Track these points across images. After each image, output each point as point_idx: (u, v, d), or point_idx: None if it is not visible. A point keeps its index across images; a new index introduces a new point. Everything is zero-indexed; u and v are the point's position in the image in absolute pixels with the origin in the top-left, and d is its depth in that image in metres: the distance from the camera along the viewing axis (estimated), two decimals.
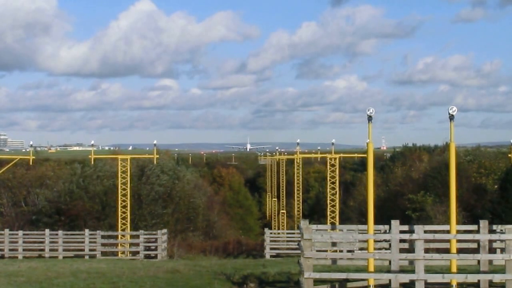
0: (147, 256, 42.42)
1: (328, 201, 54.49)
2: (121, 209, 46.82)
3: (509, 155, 51.36)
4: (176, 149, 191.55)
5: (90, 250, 43.13)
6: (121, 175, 47.20)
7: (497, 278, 19.05)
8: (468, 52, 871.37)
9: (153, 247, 43.10)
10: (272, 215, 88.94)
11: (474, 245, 21.26)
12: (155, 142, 50.40)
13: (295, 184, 72.52)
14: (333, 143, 58.35)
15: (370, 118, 20.16)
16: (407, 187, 65.36)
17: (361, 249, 25.40)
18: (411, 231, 19.74)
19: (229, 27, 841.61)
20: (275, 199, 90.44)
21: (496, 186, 53.23)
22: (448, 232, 20.37)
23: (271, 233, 47.70)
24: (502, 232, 20.74)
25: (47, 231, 44.67)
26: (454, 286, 19.16)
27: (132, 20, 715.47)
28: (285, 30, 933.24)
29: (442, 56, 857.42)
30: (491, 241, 20.61)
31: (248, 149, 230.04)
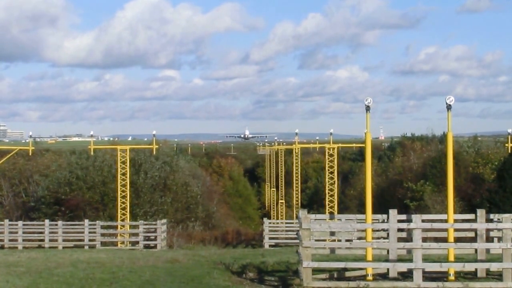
0: (147, 246, 42.52)
1: (327, 191, 54.64)
2: (120, 199, 46.94)
3: (507, 145, 51.43)
4: (176, 140, 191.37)
5: (90, 240, 43.22)
6: (120, 165, 47.30)
7: (494, 266, 19.19)
8: (471, 42, 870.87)
9: (152, 237, 43.22)
10: (271, 205, 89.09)
11: (472, 234, 21.40)
12: (154, 132, 50.44)
13: (294, 174, 72.63)
14: (331, 133, 58.32)
15: (368, 108, 20.21)
16: (406, 177, 65.48)
17: (359, 238, 25.54)
18: (409, 221, 19.82)
19: (235, 18, 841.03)
20: (274, 189, 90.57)
21: (493, 176, 53.28)
22: (445, 221, 20.47)
23: (270, 223, 47.79)
24: (499, 221, 20.85)
25: (46, 221, 44.80)
26: (451, 274, 19.29)
27: (138, 10, 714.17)
28: (290, 21, 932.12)
29: (444, 47, 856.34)
30: (488, 230, 20.72)
31: (246, 136, 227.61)
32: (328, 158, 55.65)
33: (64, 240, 43.76)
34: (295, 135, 69.58)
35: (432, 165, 61.63)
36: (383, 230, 22.01)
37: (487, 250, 20.35)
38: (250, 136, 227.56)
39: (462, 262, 19.97)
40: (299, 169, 73.89)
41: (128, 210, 47.04)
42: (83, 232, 43.59)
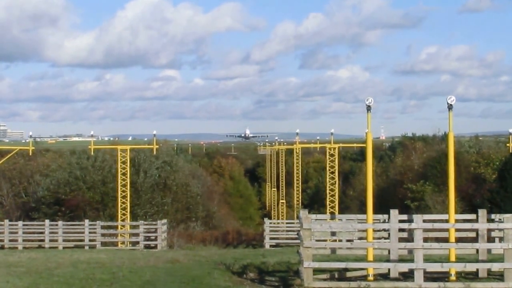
0: (147, 246, 42.47)
1: (328, 191, 54.57)
2: (120, 200, 46.88)
3: (508, 145, 51.39)
4: (176, 140, 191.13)
5: (90, 240, 43.15)
6: (120, 165, 47.25)
7: (495, 267, 19.12)
8: (473, 42, 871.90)
9: (153, 237, 43.16)
10: (272, 205, 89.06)
11: (473, 234, 21.33)
12: (154, 132, 50.43)
13: (295, 174, 72.61)
14: (332, 133, 58.28)
15: (369, 108, 20.15)
16: (406, 177, 65.42)
17: (360, 238, 25.48)
18: (410, 221, 19.77)
19: (236, 18, 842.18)
20: (275, 189, 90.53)
21: (494, 176, 53.22)
22: (447, 221, 20.41)
23: (270, 223, 47.73)
24: (500, 221, 20.79)
25: (47, 221, 44.74)
26: (452, 275, 19.24)
27: (138, 10, 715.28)
28: (291, 21, 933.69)
29: (446, 46, 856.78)
30: (489, 230, 20.69)
31: (247, 136, 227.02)
32: (329, 158, 55.60)
33: (64, 240, 43.70)
34: (296, 135, 69.65)
35: (433, 165, 61.55)
36: (384, 230, 21.96)
37: (489, 250, 20.29)
38: (251, 136, 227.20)
39: (464, 262, 19.92)
40: (300, 169, 73.87)
41: (128, 210, 47.01)
42: (83, 232, 43.52)
